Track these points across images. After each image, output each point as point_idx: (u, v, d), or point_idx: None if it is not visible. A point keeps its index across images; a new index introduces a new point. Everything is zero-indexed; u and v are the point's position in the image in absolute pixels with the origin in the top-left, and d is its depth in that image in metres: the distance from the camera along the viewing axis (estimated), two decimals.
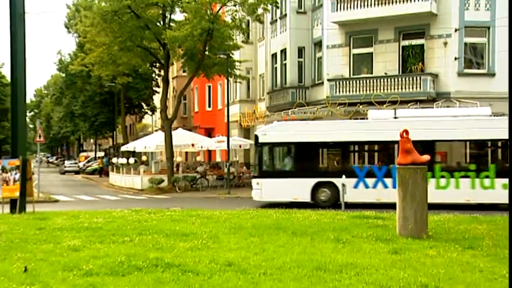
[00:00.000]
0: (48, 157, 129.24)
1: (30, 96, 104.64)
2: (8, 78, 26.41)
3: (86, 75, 49.89)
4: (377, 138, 23.15)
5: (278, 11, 36.55)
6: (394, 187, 22.34)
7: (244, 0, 34.01)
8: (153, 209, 18.86)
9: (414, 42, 30.32)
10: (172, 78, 50.39)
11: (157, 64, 43.62)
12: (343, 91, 30.49)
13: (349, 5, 30.45)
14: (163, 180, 35.52)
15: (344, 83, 30.78)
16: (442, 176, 22.17)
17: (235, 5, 34.70)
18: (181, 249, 11.05)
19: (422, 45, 30.02)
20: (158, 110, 51.49)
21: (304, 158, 23.83)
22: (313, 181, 23.14)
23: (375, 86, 29.60)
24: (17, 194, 18.59)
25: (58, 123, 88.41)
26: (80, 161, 74.39)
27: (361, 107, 28.79)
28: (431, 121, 22.64)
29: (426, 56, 29.77)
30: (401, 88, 28.99)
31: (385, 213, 16.02)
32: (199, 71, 36.85)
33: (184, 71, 44.10)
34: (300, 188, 22.96)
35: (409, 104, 27.91)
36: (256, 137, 24.73)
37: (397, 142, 22.46)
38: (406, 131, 13.37)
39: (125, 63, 38.55)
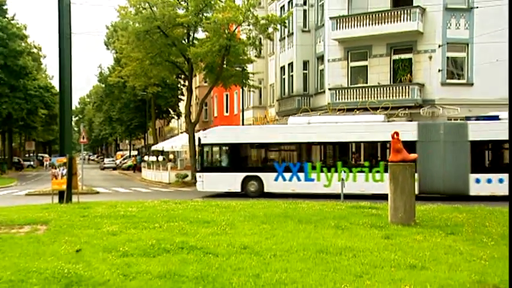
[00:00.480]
0: (90, 155, 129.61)
1: (75, 104, 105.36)
2: (57, 88, 26.55)
3: (122, 85, 50.02)
4: (294, 140, 24.24)
5: (286, 30, 36.57)
6: (306, 180, 23.53)
7: (257, 21, 34.04)
8: (179, 200, 18.92)
9: (403, 56, 30.21)
10: (195, 88, 50.49)
11: (183, 76, 43.72)
12: (342, 98, 30.43)
13: (347, 25, 30.44)
14: (187, 175, 35.60)
15: (343, 91, 30.72)
16: (344, 171, 22.74)
17: (249, 25, 34.72)
18: (203, 234, 11.13)
19: (410, 59, 29.90)
20: (183, 115, 51.64)
21: (235, 156, 24.95)
22: (242, 175, 24.20)
23: (370, 94, 29.51)
24: (64, 186, 18.77)
25: (98, 126, 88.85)
26: (116, 159, 74.58)
27: (357, 112, 28.71)
28: (335, 126, 23.51)
29: (414, 68, 29.65)
30: (393, 96, 28.91)
31: (378, 204, 15.98)
32: (218, 82, 36.88)
33: (205, 82, 44.20)
34: (233, 181, 24.10)
35: (398, 110, 27.91)
36: (199, 139, 25.81)
37: (309, 143, 24.34)
38: (397, 133, 13.34)
39: (155, 75, 38.75)
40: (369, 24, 29.70)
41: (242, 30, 35.83)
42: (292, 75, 35.88)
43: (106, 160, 79.35)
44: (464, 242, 10.40)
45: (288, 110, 35.06)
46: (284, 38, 37.18)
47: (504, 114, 21.79)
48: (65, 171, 18.81)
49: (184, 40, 36.75)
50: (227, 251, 9.44)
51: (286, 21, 35.30)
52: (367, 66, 31.11)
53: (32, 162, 73.67)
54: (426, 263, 8.64)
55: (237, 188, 24.09)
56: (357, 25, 30.12)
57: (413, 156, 13.67)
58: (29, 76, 52.07)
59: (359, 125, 23.72)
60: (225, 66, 35.57)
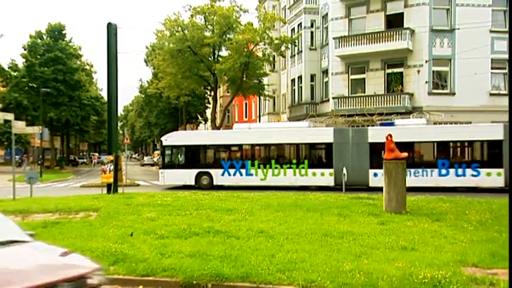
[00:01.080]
0: (132, 154, 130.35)
1: (120, 111, 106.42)
2: (105, 98, 26.81)
3: (159, 96, 50.26)
4: (237, 142, 24.70)
5: (296, 48, 36.45)
6: (246, 175, 23.91)
7: (271, 41, 34.09)
8: (206, 192, 19.02)
9: (396, 70, 29.89)
10: (220, 97, 50.60)
11: (209, 87, 43.82)
12: (343, 106, 30.21)
13: (348, 44, 30.27)
14: None
15: (344, 100, 30.51)
16: (276, 167, 23.54)
17: (264, 44, 34.89)
18: (226, 220, 11.19)
19: (401, 72, 29.59)
20: (209, 120, 51.79)
21: (190, 156, 24.93)
22: (196, 171, 24.32)
23: (367, 102, 29.27)
24: (111, 180, 18.98)
25: (139, 130, 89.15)
26: (154, 157, 75.02)
27: (357, 117, 28.57)
28: (270, 131, 24.41)
29: (404, 80, 29.36)
30: (386, 104, 28.64)
31: (375, 195, 15.89)
32: (238, 92, 36.90)
33: (228, 92, 44.29)
34: (188, 176, 24.25)
35: (391, 116, 27.67)
36: (161, 141, 26.02)
37: (249, 145, 24.63)
38: (390, 135, 13.25)
39: (186, 87, 38.88)
40: (366, 43, 29.55)
41: (259, 48, 35.95)
42: (301, 86, 35.76)
43: (145, 158, 79.61)
44: (447, 227, 10.33)
45: (297, 116, 34.95)
46: (294, 55, 37.10)
47: (399, 121, 23.53)
48: (111, 167, 19.02)
49: (211, 57, 36.82)
50: (247, 235, 9.48)
51: (296, 41, 35.22)
52: (365, 78, 30.85)
53: (85, 160, 74.49)
54: (415, 245, 8.61)
55: (192, 182, 24.22)
56: (356, 44, 29.96)
57: (404, 154, 13.53)
58: (83, 88, 52.61)
59: (288, 130, 24.74)
60: (244, 79, 35.57)
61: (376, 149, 21.55)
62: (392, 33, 28.90)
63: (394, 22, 29.68)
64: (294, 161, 23.49)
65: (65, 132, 60.35)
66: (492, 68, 28.74)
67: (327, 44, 32.89)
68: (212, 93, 41.60)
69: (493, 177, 20.81)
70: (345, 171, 21.26)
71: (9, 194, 16.61)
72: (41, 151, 47.13)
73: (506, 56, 28.40)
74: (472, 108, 27.53)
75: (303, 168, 23.15)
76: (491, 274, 6.88)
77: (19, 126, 18.31)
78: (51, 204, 13.27)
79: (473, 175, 21.19)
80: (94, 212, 12.44)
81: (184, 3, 65.09)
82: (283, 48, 35.30)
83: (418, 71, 28.75)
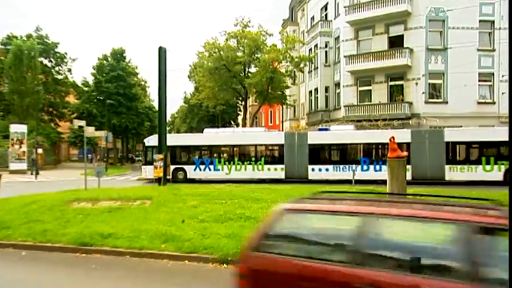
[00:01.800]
0: None
1: (168, 118, 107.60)
2: (157, 108, 27.21)
3: (199, 105, 50.91)
4: (207, 143, 24.50)
5: (313, 65, 36.27)
6: (214, 170, 23.83)
7: (292, 59, 34.06)
8: (237, 185, 19.07)
9: (397, 82, 29.33)
10: (249, 106, 50.41)
11: (240, 98, 43.95)
12: (353, 113, 29.83)
13: (356, 61, 29.94)
14: None
15: (354, 108, 30.14)
16: (238, 164, 23.55)
17: (286, 62, 34.89)
18: (255, 208, 11.15)
19: (402, 85, 29.01)
20: (240, 125, 52.01)
21: (168, 154, 24.06)
22: (173, 167, 23.72)
23: (373, 110, 28.85)
24: (161, 174, 19.10)
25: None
26: None
27: (364, 122, 28.16)
28: (233, 134, 24.38)
29: (404, 91, 28.79)
30: (389, 111, 28.17)
31: (379, 188, 15.65)
32: (265, 102, 36.92)
33: (256, 102, 44.28)
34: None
35: (393, 121, 27.26)
36: (144, 143, 25.74)
37: (217, 146, 24.31)
38: (393, 137, 12.99)
39: (221, 98, 39.14)
40: (372, 60, 29.20)
41: (282, 66, 35.97)
42: (317, 97, 35.50)
43: None
44: None
45: (314, 121, 34.75)
46: (311, 70, 36.88)
47: (334, 127, 24.45)
48: (161, 164, 19.20)
49: (242, 73, 36.93)
50: None
51: (313, 59, 35.01)
52: (371, 90, 30.41)
53: (140, 158, 75.62)
54: None
55: (169, 176, 23.10)
56: (364, 61, 29.62)
57: (404, 153, 13.29)
58: (139, 100, 53.50)
59: (249, 134, 24.84)
60: (269, 91, 35.50)
61: (314, 149, 22.62)
62: (394, 52, 28.50)
63: (396, 42, 29.18)
64: (253, 159, 23.65)
65: (125, 136, 61.42)
66: (479, 81, 28.03)
67: (339, 61, 32.60)
68: (243, 103, 41.77)
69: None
70: (355, 168, 20.96)
71: (82, 185, 17.06)
72: (106, 151, 48.21)
73: (491, 70, 28.01)
74: (462, 114, 26.98)
75: (260, 164, 23.33)
76: None
77: (89, 131, 18.80)
78: (114, 194, 13.53)
79: None
80: (148, 200, 12.58)
81: (221, 29, 65.39)
82: (302, 65, 35.22)
83: (416, 83, 28.20)
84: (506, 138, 20.02)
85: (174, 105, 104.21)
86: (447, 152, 21.25)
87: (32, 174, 29.70)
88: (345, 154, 22.76)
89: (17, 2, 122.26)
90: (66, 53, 48.52)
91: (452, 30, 27.93)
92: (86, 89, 50.67)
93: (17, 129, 34.32)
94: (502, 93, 27.63)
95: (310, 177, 22.35)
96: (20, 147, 33.94)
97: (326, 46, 34.79)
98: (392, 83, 29.69)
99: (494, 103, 27.93)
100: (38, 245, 8.48)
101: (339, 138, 22.68)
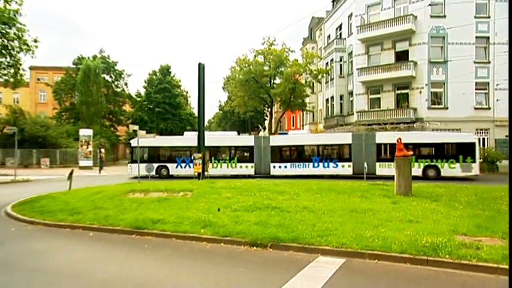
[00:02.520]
0: None
1: (206, 123, 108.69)
2: (196, 114, 27.58)
3: (232, 112, 51.22)
4: (187, 144, 23.37)
5: (329, 76, 35.83)
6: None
7: (311, 72, 33.79)
8: (264, 179, 18.95)
9: (403, 91, 28.59)
10: (274, 112, 50.17)
11: (266, 105, 43.98)
12: (364, 118, 29.29)
13: (367, 73, 29.42)
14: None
15: (365, 113, 29.58)
16: (215, 162, 22.94)
17: (306, 74, 34.62)
18: (280, 199, 11.09)
19: (407, 93, 28.24)
20: (267, 129, 51.98)
21: (152, 153, 23.54)
22: (156, 165, 23.09)
23: (382, 115, 28.26)
24: (200, 170, 19.30)
25: None
26: None
27: (374, 126, 27.59)
28: (211, 137, 22.72)
29: (409, 99, 28.03)
30: (396, 116, 27.49)
31: (388, 183, 15.21)
32: (288, 108, 36.73)
33: (280, 108, 44.20)
34: (150, 169, 21.47)
35: (400, 125, 26.58)
36: (130, 144, 24.50)
37: (194, 147, 21.95)
38: (400, 138, 12.68)
39: (250, 106, 39.29)
40: (381, 72, 28.63)
41: (302, 77, 35.73)
42: (333, 104, 35.04)
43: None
44: (443, 206, 9.75)
45: (330, 125, 34.33)
46: (328, 81, 36.45)
47: (291, 132, 24.51)
48: (200, 161, 19.35)
49: (268, 84, 36.90)
50: (294, 210, 9.41)
51: (329, 71, 34.61)
52: (380, 97, 29.75)
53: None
54: (419, 219, 8.20)
55: (153, 174, 22.62)
56: (373, 73, 29.05)
57: (410, 153, 12.96)
58: (181, 108, 54.38)
59: (223, 136, 24.46)
60: (292, 99, 35.25)
61: (276, 149, 22.41)
62: (400, 65, 27.84)
63: (402, 56, 28.48)
64: (228, 158, 23.24)
65: None
66: (476, 89, 27.02)
67: (352, 73, 32.10)
68: (269, 110, 41.75)
69: (346, 168, 21.25)
70: (365, 164, 20.49)
71: (136, 179, 17.44)
72: None
73: (487, 80, 26.93)
74: (461, 119, 26.20)
75: (234, 162, 22.96)
76: (477, 240, 6.54)
77: (142, 134, 19.33)
78: (162, 186, 13.74)
79: (334, 167, 21.47)
80: (189, 192, 12.70)
81: (250, 47, 65.71)
82: (319, 76, 34.84)
83: (420, 92, 27.42)
84: (424, 140, 19.80)
85: (210, 111, 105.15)
86: (378, 152, 21.00)
87: (99, 169, 30.39)
88: (300, 154, 22.43)
89: (81, 23, 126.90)
90: (123, 70, 49.99)
91: (451, 45, 27.10)
92: (138, 99, 52.04)
93: (85, 133, 35.62)
94: (497, 100, 26.50)
95: (272, 173, 22.14)
96: (87, 147, 35.21)
97: (341, 60, 34.31)
98: (399, 92, 28.98)
99: (489, 108, 26.85)
100: (102, 227, 8.73)
101: (295, 141, 22.67)
